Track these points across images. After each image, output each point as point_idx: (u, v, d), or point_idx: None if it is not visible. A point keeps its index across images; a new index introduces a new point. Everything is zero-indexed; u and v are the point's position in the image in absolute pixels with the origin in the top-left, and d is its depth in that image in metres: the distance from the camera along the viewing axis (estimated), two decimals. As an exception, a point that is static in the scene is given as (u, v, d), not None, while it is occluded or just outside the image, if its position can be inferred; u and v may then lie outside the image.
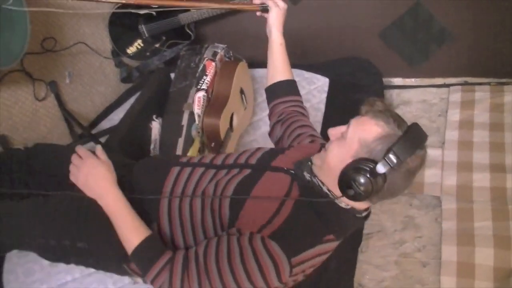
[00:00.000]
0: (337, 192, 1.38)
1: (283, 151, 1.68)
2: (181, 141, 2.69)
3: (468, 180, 3.07)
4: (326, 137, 1.53)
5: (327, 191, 1.47)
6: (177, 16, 3.29)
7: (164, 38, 3.42)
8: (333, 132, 1.44)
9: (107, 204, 1.53)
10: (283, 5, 1.91)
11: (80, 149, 1.63)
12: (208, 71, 2.82)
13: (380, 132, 1.33)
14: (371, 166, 1.30)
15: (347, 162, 1.35)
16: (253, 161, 1.63)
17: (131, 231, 1.48)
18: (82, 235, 1.72)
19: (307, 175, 1.50)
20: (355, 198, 1.33)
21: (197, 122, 2.71)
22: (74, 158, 1.63)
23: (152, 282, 1.44)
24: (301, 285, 2.44)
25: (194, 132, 2.71)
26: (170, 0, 2.33)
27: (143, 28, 3.37)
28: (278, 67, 1.93)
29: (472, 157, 3.14)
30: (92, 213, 1.66)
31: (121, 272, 1.82)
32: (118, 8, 3.12)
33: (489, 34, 3.29)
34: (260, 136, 3.15)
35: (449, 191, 3.07)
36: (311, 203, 1.44)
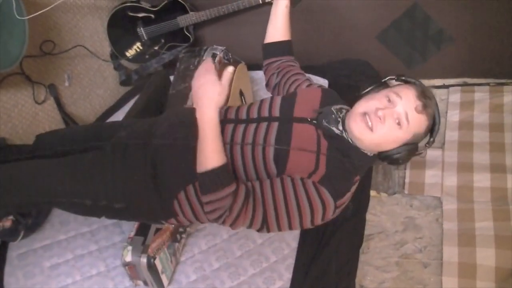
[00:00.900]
0: (366, 148, 1.64)
1: (294, 98, 1.79)
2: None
3: (468, 180, 3.07)
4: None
5: (355, 145, 1.64)
6: (176, 19, 3.29)
7: (163, 40, 3.42)
8: (385, 118, 1.57)
9: (202, 119, 1.56)
10: None
11: (208, 63, 1.68)
12: (207, 73, 2.81)
13: (428, 124, 1.61)
14: (414, 149, 1.61)
15: (395, 146, 1.60)
16: (276, 112, 1.73)
17: (212, 152, 1.53)
18: (120, 196, 1.76)
19: (336, 131, 1.63)
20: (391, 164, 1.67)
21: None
22: (202, 67, 1.68)
23: (209, 204, 1.53)
24: (303, 286, 2.45)
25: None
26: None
27: (142, 31, 3.37)
28: (279, 28, 2.00)
29: (472, 158, 3.15)
30: (128, 176, 1.74)
31: (154, 222, 2.04)
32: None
33: (487, 35, 3.29)
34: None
35: (449, 191, 3.07)
36: (340, 150, 1.61)
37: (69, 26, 3.02)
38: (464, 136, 3.25)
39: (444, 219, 3.01)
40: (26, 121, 2.72)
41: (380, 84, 1.71)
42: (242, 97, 2.96)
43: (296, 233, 2.61)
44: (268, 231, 1.58)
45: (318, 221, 1.56)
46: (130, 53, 3.46)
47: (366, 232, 2.98)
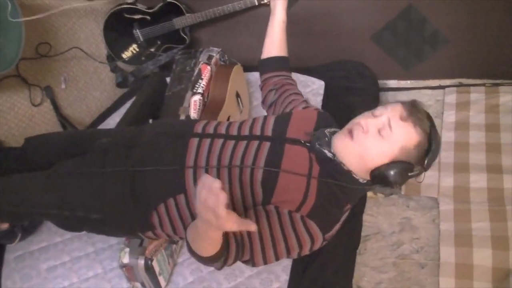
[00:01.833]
0: (358, 173, 1.56)
1: (288, 118, 1.74)
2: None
3: (465, 181, 3.08)
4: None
5: (348, 170, 1.57)
6: (172, 21, 3.29)
7: (159, 42, 3.42)
8: (367, 126, 1.52)
9: (205, 235, 1.36)
10: None
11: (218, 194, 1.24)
12: (203, 74, 2.81)
13: (419, 140, 1.50)
14: (409, 170, 1.50)
15: (383, 161, 1.50)
16: (268, 131, 1.69)
17: (207, 250, 1.38)
18: (96, 207, 1.74)
19: (328, 154, 1.57)
20: (384, 187, 1.56)
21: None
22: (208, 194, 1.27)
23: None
24: (300, 287, 2.44)
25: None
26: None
27: (138, 32, 3.37)
28: (276, 42, 1.99)
29: (468, 158, 3.15)
30: (106, 185, 1.71)
31: (132, 237, 1.96)
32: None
33: (483, 36, 3.30)
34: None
35: (446, 192, 3.08)
36: (331, 175, 1.55)
37: (65, 28, 3.01)
38: (460, 136, 3.25)
39: (440, 220, 3.01)
40: (22, 123, 2.72)
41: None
42: (238, 99, 2.96)
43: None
44: (254, 265, 1.52)
45: (306, 252, 1.52)
46: (126, 55, 3.46)
47: (363, 233, 2.98)
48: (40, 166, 1.93)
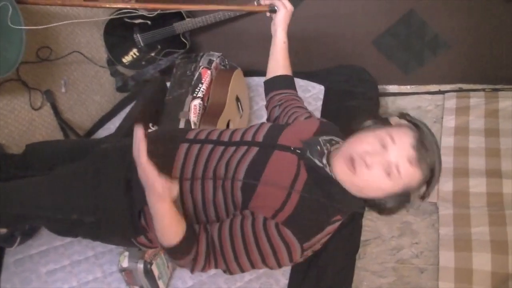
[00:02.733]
0: (351, 187, 1.49)
1: (285, 126, 1.71)
2: (177, 149, 2.69)
3: (464, 186, 3.08)
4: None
5: (339, 180, 1.50)
6: (172, 25, 3.30)
7: (159, 47, 3.43)
8: (373, 165, 1.43)
9: (157, 209, 1.43)
10: (290, 7, 1.98)
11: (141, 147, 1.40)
12: (203, 79, 2.82)
13: (421, 178, 1.44)
14: (406, 200, 1.48)
15: (381, 194, 1.46)
16: (259, 138, 1.66)
17: (170, 234, 1.44)
18: (89, 209, 1.73)
19: (319, 163, 1.51)
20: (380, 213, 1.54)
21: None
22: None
23: (177, 264, 1.53)
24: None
25: (190, 140, 2.71)
26: (177, 5, 2.31)
27: (138, 37, 3.38)
28: (279, 62, 1.99)
29: (468, 163, 3.15)
30: (99, 187, 1.71)
31: (127, 244, 1.86)
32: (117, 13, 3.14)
33: (483, 41, 3.31)
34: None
35: (445, 197, 3.08)
36: (319, 184, 1.49)
37: (65, 33, 3.02)
38: (460, 141, 3.26)
39: (440, 225, 3.01)
40: (23, 127, 2.72)
41: (379, 121, 1.55)
42: (239, 103, 2.97)
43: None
44: (231, 273, 1.51)
45: (286, 262, 1.45)
46: (126, 59, 3.47)
47: (363, 237, 2.98)
48: (40, 171, 1.94)
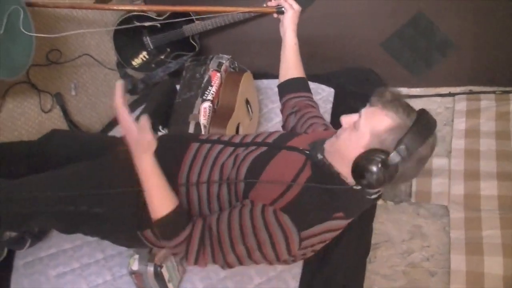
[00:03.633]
0: (348, 176, 1.47)
1: (299, 134, 1.75)
2: (187, 152, 2.69)
3: (475, 188, 3.06)
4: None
5: (337, 173, 1.52)
6: (182, 28, 3.30)
7: (168, 49, 3.44)
8: (345, 120, 1.48)
9: (142, 169, 1.49)
10: (297, 8, 1.99)
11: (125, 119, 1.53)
12: (213, 81, 2.82)
13: (391, 123, 1.39)
14: (383, 157, 1.36)
15: (359, 151, 1.41)
16: (270, 140, 1.70)
17: (160, 200, 1.48)
18: (98, 200, 1.74)
19: (319, 156, 1.54)
20: (368, 186, 1.41)
21: (203, 132, 2.71)
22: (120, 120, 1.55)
23: (169, 249, 1.53)
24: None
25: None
26: (186, 6, 2.31)
27: (147, 40, 3.38)
28: (291, 64, 1.99)
29: (479, 166, 3.13)
30: (108, 178, 1.75)
31: (133, 242, 1.86)
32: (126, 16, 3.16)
33: (493, 43, 3.29)
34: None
35: (456, 200, 3.06)
36: (322, 181, 1.49)
37: (75, 35, 3.02)
38: (471, 144, 3.24)
39: (451, 228, 2.99)
40: (32, 129, 2.72)
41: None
42: (248, 106, 2.96)
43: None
44: (230, 267, 1.52)
45: (283, 253, 1.44)
46: (136, 62, 3.47)
47: (373, 241, 2.97)
48: (55, 158, 1.98)
